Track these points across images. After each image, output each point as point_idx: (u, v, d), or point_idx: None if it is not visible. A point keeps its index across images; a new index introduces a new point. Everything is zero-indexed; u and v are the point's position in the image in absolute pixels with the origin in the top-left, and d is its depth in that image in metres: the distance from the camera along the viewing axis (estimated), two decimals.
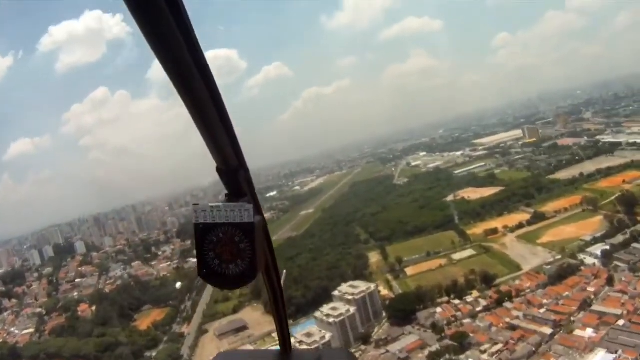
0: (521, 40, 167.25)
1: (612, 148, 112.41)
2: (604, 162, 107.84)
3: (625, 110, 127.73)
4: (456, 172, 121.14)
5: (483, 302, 75.73)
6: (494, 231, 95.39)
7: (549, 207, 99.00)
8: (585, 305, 71.20)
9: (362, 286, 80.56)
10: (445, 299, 78.46)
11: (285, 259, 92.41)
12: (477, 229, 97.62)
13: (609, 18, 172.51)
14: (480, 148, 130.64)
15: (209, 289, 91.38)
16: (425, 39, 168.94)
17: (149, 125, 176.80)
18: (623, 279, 75.10)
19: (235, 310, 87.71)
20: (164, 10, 1.64)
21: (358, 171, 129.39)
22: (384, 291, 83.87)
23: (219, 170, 2.52)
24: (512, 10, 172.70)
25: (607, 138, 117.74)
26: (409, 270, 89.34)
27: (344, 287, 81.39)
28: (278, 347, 3.98)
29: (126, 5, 1.56)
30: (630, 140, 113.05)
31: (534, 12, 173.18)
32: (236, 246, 2.30)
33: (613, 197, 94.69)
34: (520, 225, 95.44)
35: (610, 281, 74.89)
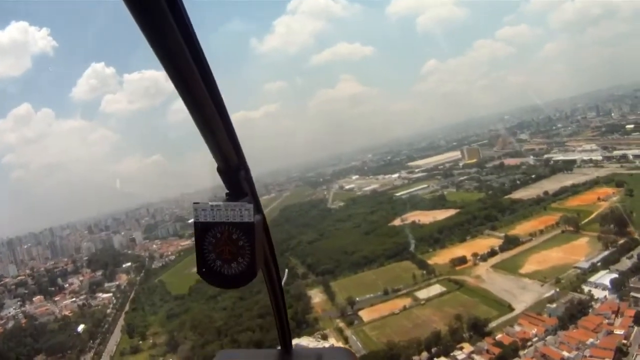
0: (450, 67, 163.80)
1: (568, 166, 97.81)
2: (565, 180, 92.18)
3: (565, 130, 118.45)
4: (397, 194, 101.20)
5: None
6: (462, 260, 72.61)
7: (520, 229, 78.54)
8: (621, 354, 49.28)
9: (310, 344, 52.86)
10: (426, 355, 52.62)
11: (207, 298, 75.46)
12: (439, 258, 75.02)
13: (535, 48, 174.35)
14: (417, 170, 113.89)
15: (116, 336, 74.63)
16: (356, 65, 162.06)
17: (73, 145, 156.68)
18: None
19: None
20: (164, 10, 1.62)
21: (287, 195, 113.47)
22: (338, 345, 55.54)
23: (219, 169, 2.46)
24: (443, 38, 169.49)
25: (558, 156, 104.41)
26: (365, 315, 64.55)
27: None
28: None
29: (126, 5, 1.54)
30: (585, 158, 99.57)
31: (463, 40, 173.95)
32: (236, 245, 2.23)
33: (594, 215, 77.47)
34: (492, 252, 73.39)
35: (638, 320, 53.56)
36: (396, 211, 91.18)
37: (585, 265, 66.07)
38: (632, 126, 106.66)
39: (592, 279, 62.64)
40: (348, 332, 59.66)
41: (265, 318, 65.76)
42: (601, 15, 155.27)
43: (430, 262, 73.92)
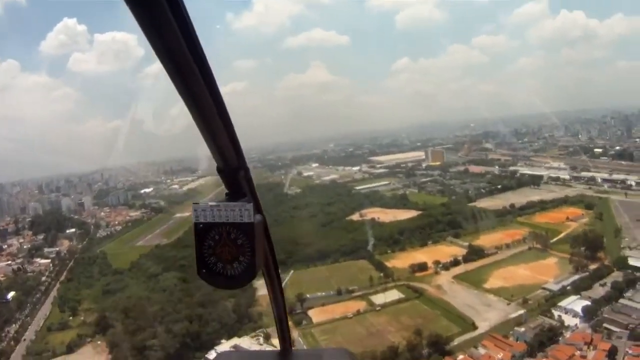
0: (422, 68, 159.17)
1: (535, 180, 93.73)
2: (531, 195, 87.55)
3: (531, 145, 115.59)
4: (357, 187, 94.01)
5: None
6: (423, 267, 65.80)
7: (484, 240, 72.35)
8: None
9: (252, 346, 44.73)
10: None
11: (148, 276, 69.39)
12: (398, 261, 68.07)
13: (509, 61, 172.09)
14: (379, 166, 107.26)
15: (45, 308, 68.10)
16: (329, 53, 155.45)
17: (35, 101, 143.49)
18: (629, 351, 48.54)
19: (70, 348, 57.95)
20: (164, 9, 1.59)
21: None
22: None
23: (219, 169, 2.42)
24: (419, 37, 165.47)
25: (524, 170, 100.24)
26: (316, 315, 57.09)
27: (225, 347, 48.76)
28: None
29: (126, 4, 1.53)
30: (552, 175, 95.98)
31: (439, 43, 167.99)
32: (236, 245, 2.20)
33: (563, 235, 72.66)
34: (455, 262, 66.94)
35: (612, 355, 47.79)
36: (355, 205, 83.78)
37: (555, 287, 60.48)
38: (600, 150, 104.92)
39: (563, 303, 57.01)
40: (295, 334, 51.04)
41: (206, 308, 59.07)
42: (579, 38, 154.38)
43: (388, 264, 66.96)
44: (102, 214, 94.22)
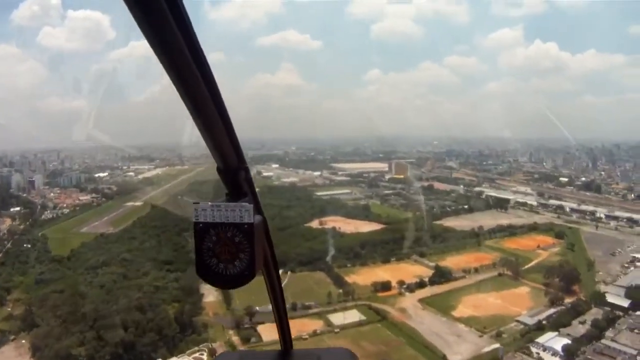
0: (391, 81, 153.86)
1: (502, 204, 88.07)
2: (499, 218, 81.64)
3: (495, 168, 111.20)
4: (317, 193, 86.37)
5: None
6: (386, 286, 58.09)
7: (451, 262, 65.55)
8: None
9: None
10: None
11: (86, 268, 61.31)
12: (359, 277, 60.40)
13: (478, 84, 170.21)
14: (340, 173, 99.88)
15: None
16: (300, 56, 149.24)
17: (2, 70, 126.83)
18: None
19: None
20: (164, 10, 1.60)
21: (201, 169, 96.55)
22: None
23: (219, 170, 2.42)
24: (393, 50, 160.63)
25: (490, 192, 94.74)
26: (266, 332, 47.68)
27: None
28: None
29: (126, 5, 1.52)
30: (519, 199, 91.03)
31: (411, 58, 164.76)
32: (235, 246, 2.20)
33: (533, 263, 66.77)
34: (421, 283, 59.55)
35: None
36: (315, 212, 75.90)
37: (530, 321, 54.05)
38: (566, 179, 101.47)
39: (541, 339, 50.77)
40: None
41: (145, 313, 51.36)
42: (549, 69, 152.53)
43: (348, 279, 59.16)
44: (52, 194, 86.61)
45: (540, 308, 56.60)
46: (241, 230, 2.15)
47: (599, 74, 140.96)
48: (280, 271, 3.56)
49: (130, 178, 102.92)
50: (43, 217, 78.92)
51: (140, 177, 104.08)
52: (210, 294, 56.53)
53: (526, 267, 65.59)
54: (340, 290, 56.69)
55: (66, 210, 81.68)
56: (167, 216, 75.65)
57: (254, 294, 51.79)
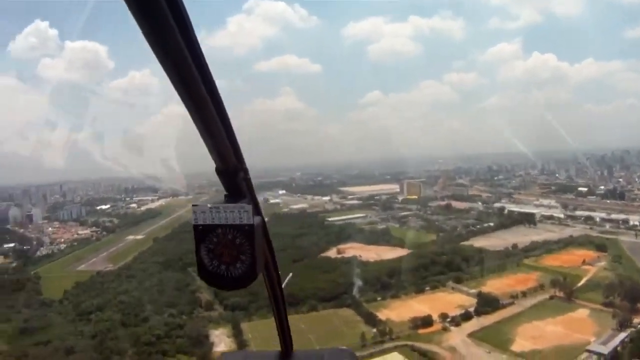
0: (392, 102, 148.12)
1: (528, 218, 78.77)
2: (529, 234, 72.44)
3: (509, 182, 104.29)
4: (330, 219, 76.74)
5: None
6: (427, 321, 47.43)
7: (493, 286, 55.50)
8: None
9: None
10: None
11: (78, 314, 52.41)
12: (394, 312, 50.03)
13: (479, 99, 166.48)
14: (350, 197, 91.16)
15: None
16: (299, 80, 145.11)
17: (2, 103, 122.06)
18: None
19: None
20: (164, 10, 1.55)
21: (205, 199, 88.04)
22: None
23: (217, 170, 2.31)
24: (392, 71, 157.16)
25: (511, 207, 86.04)
26: None
27: None
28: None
29: (126, 5, 1.49)
30: (545, 213, 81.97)
31: (411, 77, 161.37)
32: (236, 247, 2.10)
33: (584, 281, 56.73)
34: (466, 315, 48.94)
35: None
36: (330, 239, 66.03)
37: (604, 349, 43.22)
38: (585, 189, 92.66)
39: None
40: None
41: None
42: (548, 80, 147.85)
43: (381, 315, 48.57)
44: (50, 229, 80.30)
45: (609, 333, 46.21)
46: (241, 231, 2.04)
47: (597, 81, 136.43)
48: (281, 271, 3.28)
49: (133, 210, 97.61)
50: (38, 253, 71.65)
51: (143, 208, 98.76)
52: (221, 342, 46.65)
53: (577, 286, 55.31)
54: (375, 330, 45.99)
55: (63, 246, 74.54)
56: (169, 250, 66.56)
57: (272, 340, 41.67)
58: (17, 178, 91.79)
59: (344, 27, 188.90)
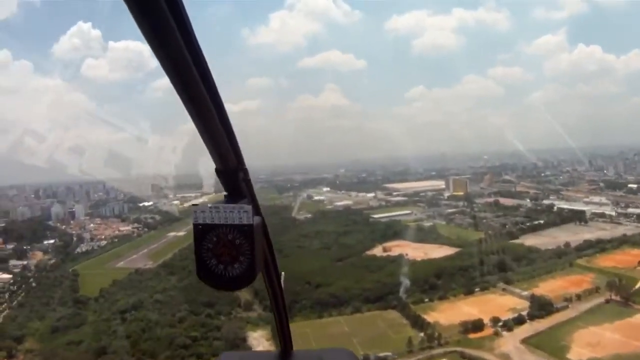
0: (436, 97, 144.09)
1: (580, 216, 74.90)
2: (580, 232, 68.71)
3: (556, 179, 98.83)
4: (374, 216, 74.39)
5: None
6: (477, 325, 45.30)
7: (545, 288, 52.81)
8: None
9: None
10: None
11: (113, 313, 50.61)
12: (442, 315, 47.98)
13: (524, 94, 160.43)
14: (395, 193, 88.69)
15: None
16: (344, 76, 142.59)
17: (47, 104, 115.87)
18: None
19: None
20: (164, 10, 1.55)
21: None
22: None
23: (217, 170, 2.34)
24: (435, 65, 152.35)
25: (561, 204, 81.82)
26: None
27: None
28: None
29: (126, 5, 1.49)
30: (595, 210, 77.61)
31: (454, 71, 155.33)
32: (235, 247, 2.10)
33: None
34: (519, 319, 46.68)
35: None
36: (375, 236, 64.04)
37: None
38: (635, 186, 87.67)
39: None
40: None
41: None
42: (594, 73, 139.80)
43: (429, 318, 46.57)
44: (92, 225, 78.79)
45: None
46: (241, 231, 2.04)
47: None
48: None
49: (175, 206, 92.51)
50: (78, 250, 70.48)
51: (186, 205, 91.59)
52: (260, 345, 45.28)
53: (635, 288, 52.25)
54: (422, 334, 44.29)
55: (103, 242, 73.64)
56: None
57: (317, 342, 40.73)
58: (61, 176, 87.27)
59: (387, 21, 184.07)
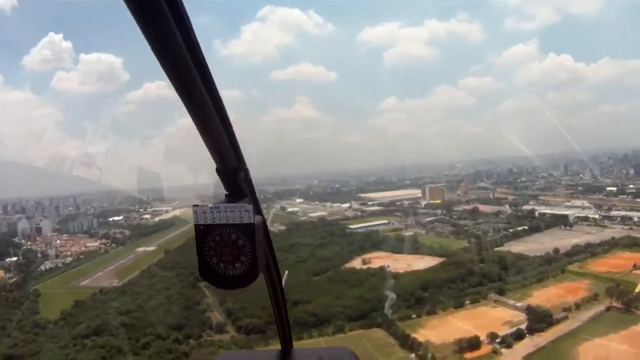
0: (408, 108, 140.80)
1: (563, 221, 71.09)
2: (567, 237, 64.47)
3: (533, 184, 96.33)
4: (351, 226, 69.01)
5: None
6: (474, 343, 39.10)
7: (540, 297, 47.47)
8: None
9: None
10: None
11: (75, 337, 44.55)
12: (432, 332, 41.94)
13: (495, 103, 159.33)
14: (370, 203, 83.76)
15: None
16: (315, 89, 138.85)
17: (15, 118, 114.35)
18: None
19: None
20: (164, 10, 1.53)
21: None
22: None
23: (218, 171, 2.31)
24: (407, 76, 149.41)
25: (542, 209, 78.09)
26: None
27: None
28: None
29: (126, 5, 1.47)
30: (579, 214, 73.92)
31: (427, 83, 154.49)
32: (237, 247, 2.09)
33: None
34: (518, 333, 40.77)
35: None
36: (353, 248, 58.30)
37: None
38: (614, 189, 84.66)
39: None
40: None
41: None
42: (565, 81, 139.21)
43: (418, 336, 40.24)
44: (58, 241, 73.45)
45: None
46: (242, 231, 2.01)
47: (612, 82, 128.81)
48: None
49: (146, 221, 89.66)
50: (41, 267, 64.30)
51: (156, 219, 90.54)
52: None
53: (635, 293, 47.37)
54: (413, 356, 38.04)
55: (69, 259, 67.47)
56: (180, 263, 58.89)
57: None
58: (31, 191, 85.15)
59: (359, 33, 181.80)
